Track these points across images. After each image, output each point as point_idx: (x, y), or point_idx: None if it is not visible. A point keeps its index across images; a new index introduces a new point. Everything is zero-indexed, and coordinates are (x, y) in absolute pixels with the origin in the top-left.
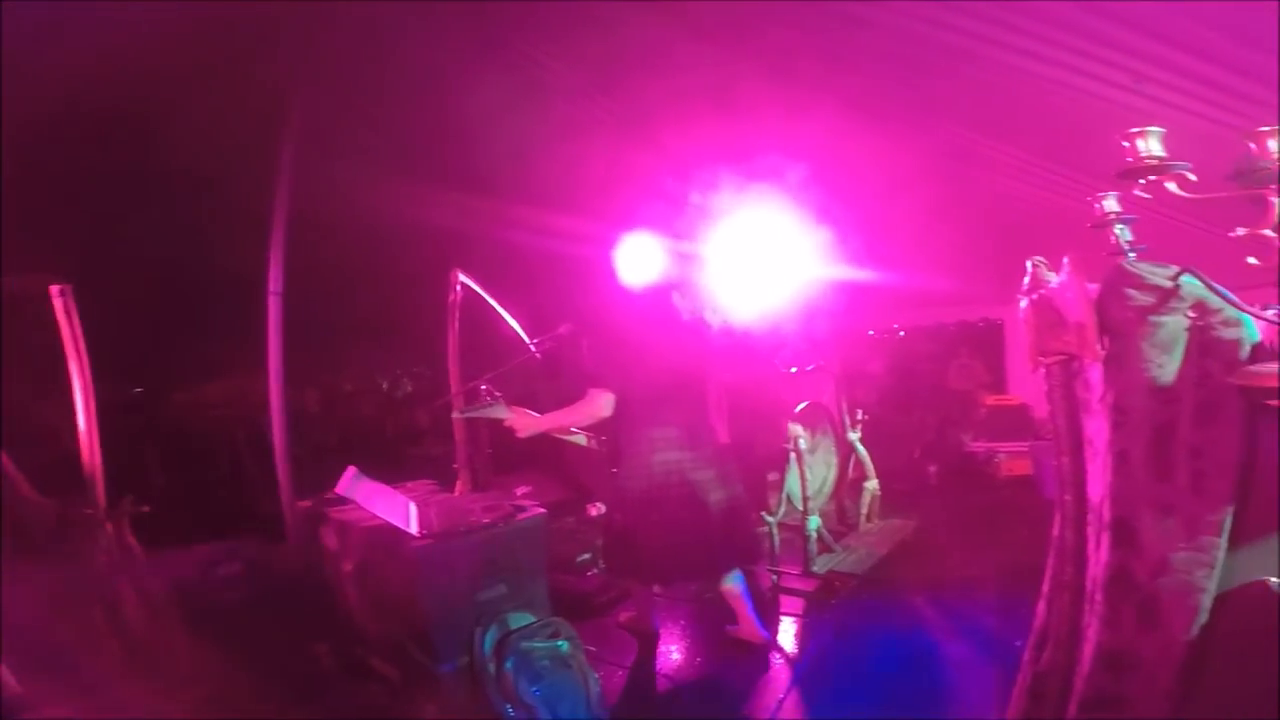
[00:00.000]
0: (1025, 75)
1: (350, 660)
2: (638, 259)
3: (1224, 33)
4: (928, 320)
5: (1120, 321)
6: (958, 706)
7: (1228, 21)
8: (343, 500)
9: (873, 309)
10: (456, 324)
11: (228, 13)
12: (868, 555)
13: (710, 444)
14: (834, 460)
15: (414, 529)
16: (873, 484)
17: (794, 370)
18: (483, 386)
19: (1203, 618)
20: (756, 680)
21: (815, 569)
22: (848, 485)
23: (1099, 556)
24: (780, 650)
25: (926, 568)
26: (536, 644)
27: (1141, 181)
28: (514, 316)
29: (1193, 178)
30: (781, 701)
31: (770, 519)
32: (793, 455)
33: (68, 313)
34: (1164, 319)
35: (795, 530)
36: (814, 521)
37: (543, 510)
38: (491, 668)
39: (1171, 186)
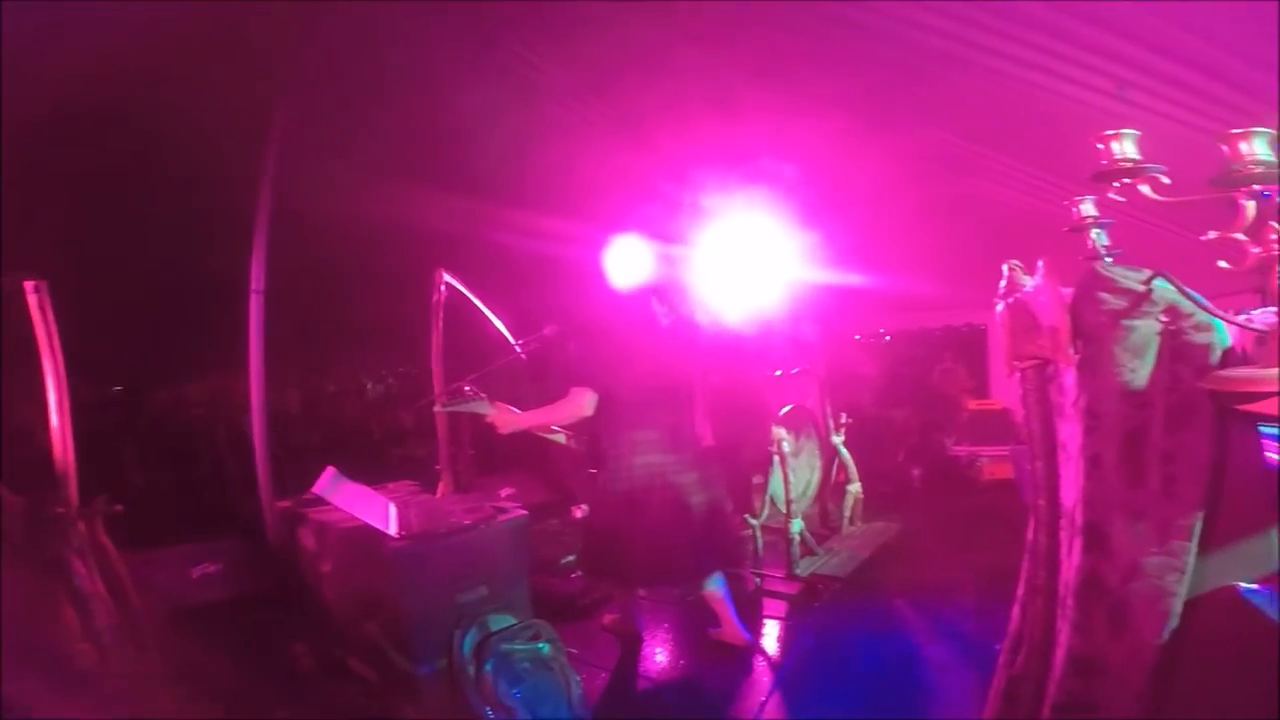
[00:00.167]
0: (1012, 80)
1: (328, 661)
2: (626, 261)
3: (1199, 36)
4: (912, 325)
5: (1093, 325)
6: (938, 708)
7: (1202, 24)
8: (322, 501)
9: (858, 313)
10: (440, 324)
11: (216, 12)
12: (850, 558)
13: (693, 447)
14: (818, 463)
15: (393, 530)
16: (856, 487)
17: (779, 373)
18: (466, 387)
19: (1173, 622)
20: (739, 683)
21: (798, 572)
22: (831, 488)
23: (1071, 561)
24: (763, 653)
25: (909, 571)
26: (517, 646)
27: (1116, 185)
28: (500, 318)
29: (1166, 181)
30: (764, 704)
31: (754, 522)
32: (776, 458)
33: (42, 308)
34: (1136, 323)
35: (779, 533)
36: (797, 524)
37: (525, 512)
38: (471, 670)
39: (1145, 190)
